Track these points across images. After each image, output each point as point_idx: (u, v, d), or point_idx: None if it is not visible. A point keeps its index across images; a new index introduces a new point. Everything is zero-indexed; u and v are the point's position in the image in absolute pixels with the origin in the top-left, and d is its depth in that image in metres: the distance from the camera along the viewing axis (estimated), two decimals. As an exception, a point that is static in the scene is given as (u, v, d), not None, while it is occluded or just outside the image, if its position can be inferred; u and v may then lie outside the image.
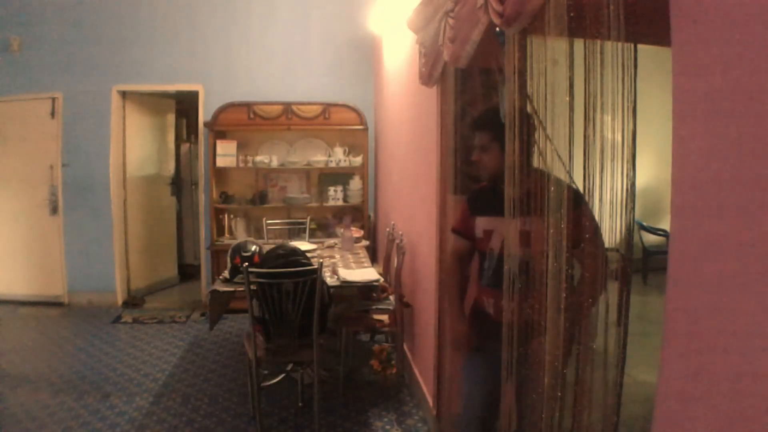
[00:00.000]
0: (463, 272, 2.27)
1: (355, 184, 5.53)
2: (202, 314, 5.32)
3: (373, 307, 3.70)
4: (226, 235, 5.55)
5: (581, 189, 1.46)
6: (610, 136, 1.36)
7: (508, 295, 1.77)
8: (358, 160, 5.49)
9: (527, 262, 1.75)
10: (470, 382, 2.22)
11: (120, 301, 5.65)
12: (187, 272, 6.65)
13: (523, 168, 1.73)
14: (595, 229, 1.48)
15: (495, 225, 2.04)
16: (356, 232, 4.81)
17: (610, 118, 1.35)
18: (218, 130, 5.43)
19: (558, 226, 1.53)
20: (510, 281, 1.75)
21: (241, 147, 5.51)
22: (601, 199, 1.40)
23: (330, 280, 3.40)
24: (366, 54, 5.80)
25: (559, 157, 1.57)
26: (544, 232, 1.61)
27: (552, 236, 1.55)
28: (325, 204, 5.59)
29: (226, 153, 5.43)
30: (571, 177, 1.53)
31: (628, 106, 1.31)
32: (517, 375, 1.75)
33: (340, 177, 5.61)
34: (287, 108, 5.39)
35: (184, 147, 6.88)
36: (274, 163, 5.48)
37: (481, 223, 2.10)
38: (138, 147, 5.91)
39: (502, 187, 2.01)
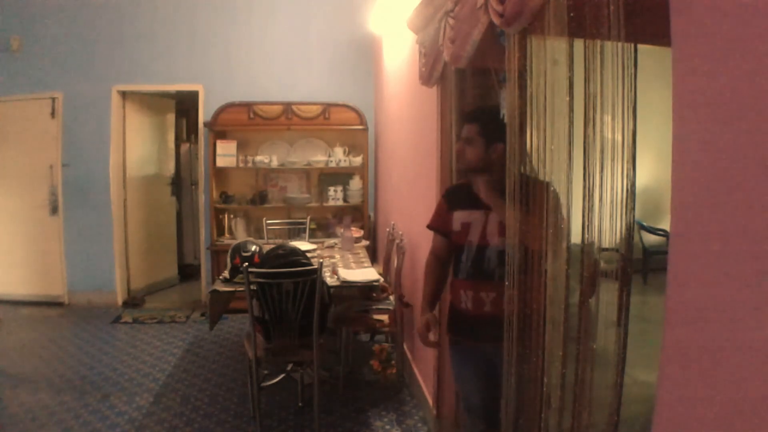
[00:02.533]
0: (443, 272, 2.23)
1: (355, 184, 5.53)
2: (202, 314, 5.32)
3: (373, 307, 3.70)
4: (226, 235, 5.55)
5: (581, 189, 1.46)
6: (610, 136, 1.36)
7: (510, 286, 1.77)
8: (358, 160, 5.49)
9: (503, 252, 1.84)
10: (461, 381, 2.21)
11: (120, 301, 5.65)
12: (187, 272, 6.65)
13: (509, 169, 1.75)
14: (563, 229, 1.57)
15: (473, 218, 2.04)
16: (356, 232, 4.81)
17: (610, 118, 1.35)
18: (218, 130, 5.43)
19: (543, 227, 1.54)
20: (512, 272, 1.76)
21: (241, 147, 5.51)
22: (601, 199, 1.39)
23: (330, 280, 3.40)
24: (366, 54, 5.80)
25: (529, 160, 1.59)
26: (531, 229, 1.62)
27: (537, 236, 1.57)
28: (325, 204, 5.59)
29: (226, 153, 5.43)
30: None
31: (628, 106, 1.31)
32: (515, 369, 1.75)
33: (340, 177, 5.61)
34: (287, 108, 5.39)
35: (184, 147, 6.88)
36: (274, 163, 5.48)
37: (459, 217, 2.09)
38: (138, 147, 5.91)
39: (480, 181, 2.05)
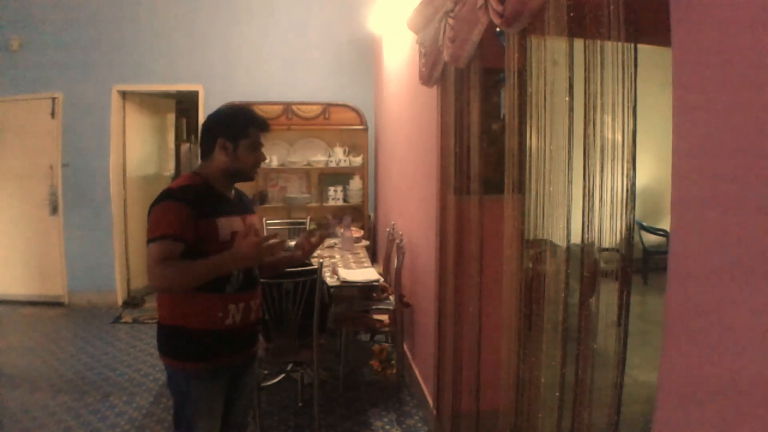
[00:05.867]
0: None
1: (355, 184, 5.53)
2: (202, 314, 5.30)
3: (373, 307, 3.70)
4: (226, 235, 5.53)
5: (581, 189, 1.46)
6: (610, 136, 1.36)
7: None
8: (358, 160, 5.49)
9: None
10: (212, 412, 1.97)
11: (120, 301, 5.65)
12: (187, 272, 6.63)
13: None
14: None
15: (238, 225, 1.90)
16: (356, 232, 4.81)
17: (610, 118, 1.35)
18: (218, 130, 5.41)
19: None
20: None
21: (241, 147, 5.49)
22: (601, 199, 1.40)
23: (330, 280, 3.40)
24: (366, 54, 5.80)
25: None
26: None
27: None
28: (325, 204, 5.59)
29: (226, 153, 5.41)
30: None
31: (628, 106, 1.31)
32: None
33: (340, 177, 5.61)
34: (287, 108, 5.39)
35: (184, 147, 6.88)
36: (274, 163, 5.47)
37: (225, 224, 1.85)
38: (138, 147, 5.91)
39: (214, 184, 1.91)
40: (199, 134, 2.00)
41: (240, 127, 1.91)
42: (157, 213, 1.79)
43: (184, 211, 1.78)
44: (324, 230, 5.13)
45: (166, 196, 1.82)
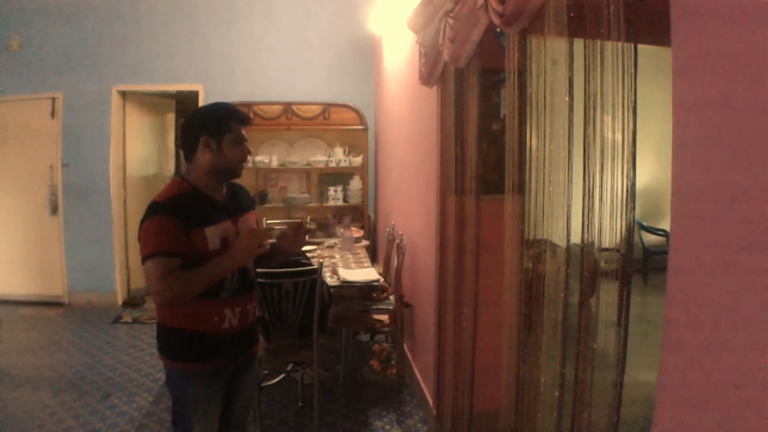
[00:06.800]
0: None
1: (355, 184, 5.53)
2: (202, 314, 5.30)
3: (373, 307, 3.69)
4: (226, 235, 5.53)
5: (581, 189, 1.46)
6: (610, 136, 1.36)
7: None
8: (358, 160, 5.49)
9: None
10: (206, 413, 1.92)
11: (120, 301, 5.65)
12: (187, 272, 6.63)
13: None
14: None
15: (229, 230, 1.88)
16: (356, 232, 4.81)
17: (610, 118, 1.35)
18: (218, 130, 5.41)
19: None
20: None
21: (241, 147, 5.49)
22: (601, 199, 1.40)
23: (330, 280, 3.40)
24: (366, 54, 5.80)
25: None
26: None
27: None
28: (325, 204, 5.59)
29: (226, 153, 5.41)
30: None
31: (628, 106, 1.32)
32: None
33: (340, 177, 5.61)
34: (287, 108, 5.39)
35: (184, 147, 6.87)
36: (274, 163, 5.47)
37: (215, 233, 1.82)
38: (138, 147, 5.91)
39: (203, 188, 1.88)
40: (180, 136, 1.97)
41: (221, 122, 1.89)
42: (146, 229, 1.78)
43: (173, 224, 1.76)
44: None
45: (153, 210, 1.80)
